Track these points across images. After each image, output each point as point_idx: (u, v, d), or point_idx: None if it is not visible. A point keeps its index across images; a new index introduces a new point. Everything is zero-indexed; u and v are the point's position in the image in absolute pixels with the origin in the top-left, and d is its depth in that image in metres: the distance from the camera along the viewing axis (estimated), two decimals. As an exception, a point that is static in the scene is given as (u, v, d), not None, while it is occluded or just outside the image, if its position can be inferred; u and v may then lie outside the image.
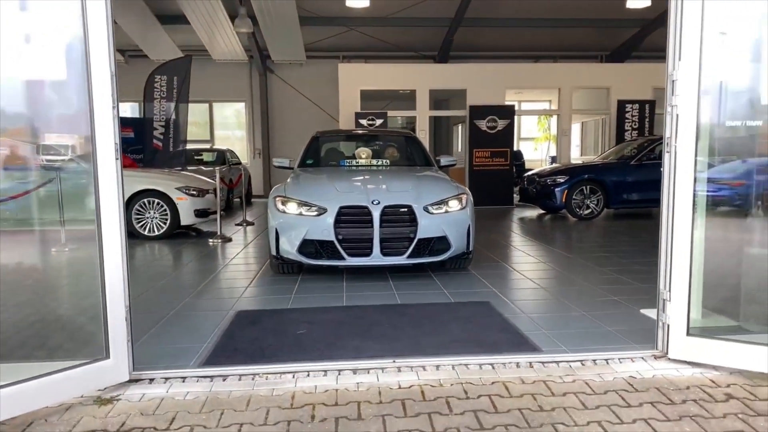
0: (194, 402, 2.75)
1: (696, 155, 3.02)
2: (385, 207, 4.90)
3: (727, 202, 3.68)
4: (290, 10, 12.74)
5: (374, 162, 6.55)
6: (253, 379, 2.99)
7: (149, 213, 8.13)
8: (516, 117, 14.07)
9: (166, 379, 2.99)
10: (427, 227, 4.93)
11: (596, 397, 2.76)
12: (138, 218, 8.08)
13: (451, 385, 2.90)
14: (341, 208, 4.89)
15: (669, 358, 3.18)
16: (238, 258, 6.64)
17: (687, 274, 3.09)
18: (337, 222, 4.85)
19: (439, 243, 5.04)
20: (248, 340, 3.59)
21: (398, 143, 7.23)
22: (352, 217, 4.89)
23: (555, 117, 15.78)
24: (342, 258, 4.87)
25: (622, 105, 13.43)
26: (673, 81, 3.08)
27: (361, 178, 5.82)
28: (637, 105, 13.35)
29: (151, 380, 2.98)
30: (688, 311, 3.12)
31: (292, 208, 5.06)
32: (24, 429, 2.52)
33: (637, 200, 10.18)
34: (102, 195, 2.79)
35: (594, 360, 3.20)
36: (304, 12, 13.18)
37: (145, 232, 8.12)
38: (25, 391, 2.57)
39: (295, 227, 4.96)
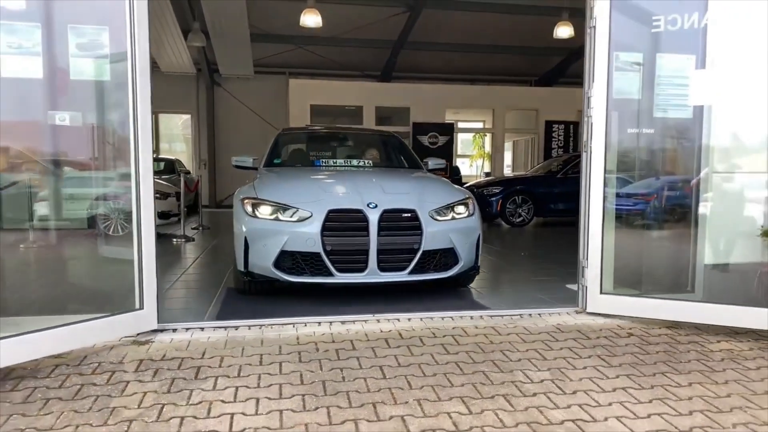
0: (217, 342, 3.38)
1: (606, 153, 3.94)
2: (385, 212, 4.10)
3: (641, 213, 4.66)
4: (242, 28, 13.34)
5: (355, 163, 5.70)
6: (260, 328, 3.65)
7: (114, 214, 8.49)
8: (454, 134, 15.15)
9: (187, 329, 3.62)
10: (433, 237, 4.18)
11: (533, 336, 3.59)
12: (103, 219, 8.43)
13: (422, 329, 3.66)
14: (330, 212, 4.06)
15: (587, 312, 4.06)
16: (207, 254, 7.17)
17: (599, 247, 3.99)
18: (325, 229, 4.02)
19: (446, 256, 4.31)
20: (245, 305, 4.23)
21: (380, 143, 6.42)
22: (343, 224, 4.08)
23: (489, 135, 17.00)
24: (330, 274, 4.04)
25: (549, 125, 14.76)
26: (588, 97, 4.00)
27: (349, 177, 5.02)
28: (563, 125, 14.72)
29: (174, 330, 3.59)
30: (601, 276, 4.01)
31: (265, 212, 4.18)
32: (82, 360, 3.08)
33: (563, 209, 11.31)
34: (141, 182, 3.41)
35: (530, 314, 4.06)
36: (254, 29, 13.81)
37: (110, 232, 8.48)
38: (80, 330, 3.15)
39: (271, 236, 4.07)
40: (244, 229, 4.19)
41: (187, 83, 17.13)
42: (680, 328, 3.79)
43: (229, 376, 2.89)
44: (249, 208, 4.25)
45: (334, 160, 5.79)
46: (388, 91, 15.10)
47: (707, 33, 3.87)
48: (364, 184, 4.53)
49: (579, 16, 11.83)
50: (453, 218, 4.38)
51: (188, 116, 17.76)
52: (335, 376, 2.89)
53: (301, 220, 4.10)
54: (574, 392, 2.76)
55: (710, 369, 3.09)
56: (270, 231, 4.10)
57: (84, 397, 2.65)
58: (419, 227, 4.16)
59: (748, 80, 3.79)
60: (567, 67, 15.97)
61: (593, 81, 3.96)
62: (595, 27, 3.94)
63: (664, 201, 4.48)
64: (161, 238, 8.87)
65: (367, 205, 4.12)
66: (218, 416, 2.47)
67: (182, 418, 2.44)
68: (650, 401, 2.67)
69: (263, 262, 4.10)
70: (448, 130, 14.11)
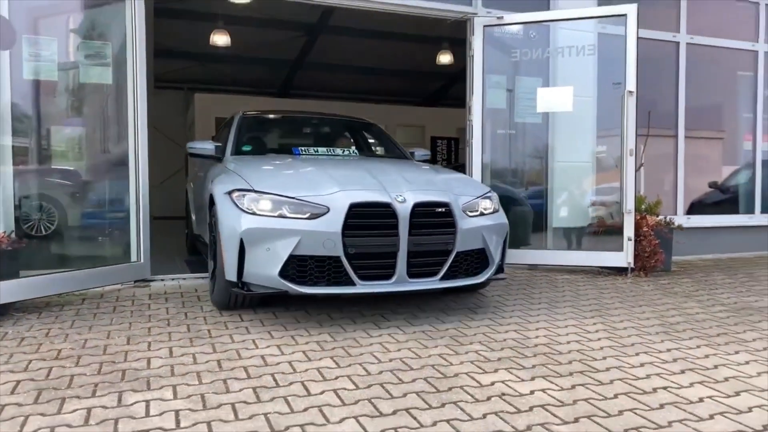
0: (203, 285, 4.40)
1: (482, 148, 5.41)
2: (416, 205, 3.40)
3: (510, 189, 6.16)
4: (148, 44, 13.90)
5: (339, 151, 4.71)
6: (231, 277, 4.68)
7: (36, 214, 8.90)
8: (350, 148, 16.53)
9: (173, 278, 4.59)
10: (467, 236, 3.56)
11: (435, 277, 4.93)
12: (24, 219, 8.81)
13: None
14: (353, 206, 3.30)
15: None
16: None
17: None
18: (347, 228, 3.28)
19: (478, 258, 3.71)
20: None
21: (361, 131, 5.52)
22: (368, 221, 3.34)
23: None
24: (351, 283, 3.32)
25: (434, 140, 16.60)
26: (469, 106, 5.47)
27: (359, 165, 4.13)
28: (446, 141, 16.62)
29: (163, 279, 4.55)
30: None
31: (266, 206, 3.36)
32: (101, 296, 3.99)
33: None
34: (140, 166, 4.37)
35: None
36: (156, 45, 14.41)
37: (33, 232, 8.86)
38: (98, 272, 4.07)
39: (277, 237, 3.27)
40: (238, 229, 3.32)
41: (83, 96, 17.19)
42: (537, 270, 5.30)
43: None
44: (244, 203, 3.39)
45: (315, 149, 4.67)
46: (291, 107, 16.20)
47: (549, 62, 5.50)
48: (380, 173, 3.72)
49: (457, 45, 13.71)
50: (481, 214, 3.75)
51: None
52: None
53: (316, 216, 3.31)
54: (467, 301, 4.11)
55: (545, 289, 4.58)
56: (276, 231, 3.28)
57: (122, 312, 3.60)
58: (453, 224, 3.51)
59: (577, 95, 5.41)
60: (448, 90, 17.97)
61: (473, 94, 5.43)
62: (473, 56, 5.42)
63: (526, 182, 6.05)
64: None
65: (395, 198, 3.39)
66: (230, 315, 3.54)
67: (205, 317, 3.50)
68: (515, 302, 4.08)
69: (266, 269, 3.28)
70: (345, 143, 15.47)
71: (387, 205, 3.35)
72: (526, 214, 5.76)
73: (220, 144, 4.65)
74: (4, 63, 3.88)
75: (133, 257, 4.38)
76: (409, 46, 15.33)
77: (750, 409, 2.23)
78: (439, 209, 3.51)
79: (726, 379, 2.56)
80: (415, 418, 2.09)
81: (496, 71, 5.58)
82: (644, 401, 2.29)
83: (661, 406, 2.25)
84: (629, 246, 4.99)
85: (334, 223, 3.27)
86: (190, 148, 4.58)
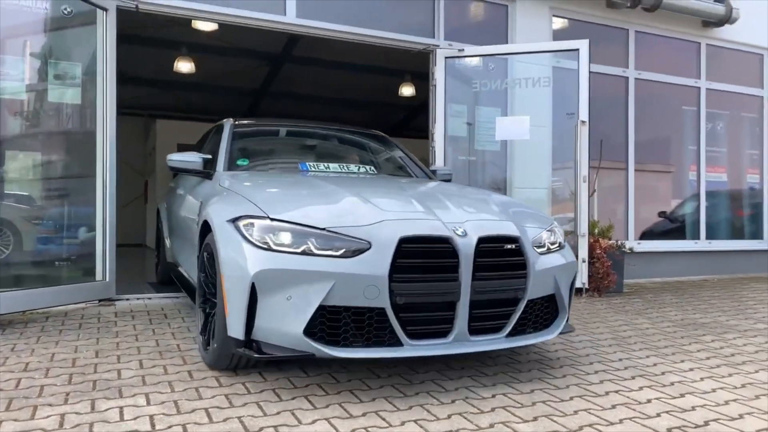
0: (168, 304, 4.41)
1: (445, 172, 5.60)
2: (481, 240, 2.67)
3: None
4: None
5: (354, 168, 4.10)
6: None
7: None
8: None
9: (139, 297, 4.58)
10: (539, 279, 2.84)
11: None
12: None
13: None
14: (403, 241, 2.54)
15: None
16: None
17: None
18: (396, 270, 2.52)
19: (547, 307, 2.98)
20: (172, 286, 5.20)
21: (373, 145, 4.76)
22: (420, 261, 2.59)
23: (343, 179, 18.71)
24: (398, 343, 2.55)
25: (396, 170, 16.82)
26: (432, 133, 5.68)
27: (399, 186, 3.43)
28: (407, 170, 16.85)
29: (128, 299, 4.54)
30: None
31: (285, 239, 2.56)
32: (65, 315, 3.97)
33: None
34: (108, 186, 4.40)
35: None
36: (118, 71, 14.36)
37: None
38: (63, 290, 4.06)
39: (301, 282, 2.49)
40: (248, 270, 2.52)
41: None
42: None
43: (192, 317, 3.97)
44: (255, 234, 2.60)
45: (326, 165, 4.04)
46: (252, 135, 16.26)
47: (507, 93, 5.78)
48: (424, 197, 3.06)
49: (419, 78, 14.16)
50: (549, 250, 3.02)
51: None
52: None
53: (354, 253, 2.55)
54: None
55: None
56: (301, 273, 2.49)
57: (88, 328, 3.60)
58: (524, 265, 2.79)
59: (534, 125, 5.69)
60: (410, 121, 18.36)
61: (435, 122, 5.65)
62: (435, 86, 5.67)
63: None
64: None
65: (455, 231, 2.65)
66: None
67: (173, 333, 3.52)
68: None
69: (285, 325, 2.49)
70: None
71: (446, 240, 2.59)
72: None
73: (208, 156, 3.90)
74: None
75: (99, 276, 4.37)
76: (372, 77, 15.64)
77: (693, 408, 2.41)
78: (508, 246, 2.77)
79: (672, 384, 2.74)
80: (385, 419, 2.19)
81: (457, 101, 5.82)
82: (598, 403, 2.45)
83: (613, 406, 2.41)
84: (584, 267, 5.22)
85: (378, 263, 2.49)
86: (170, 160, 3.82)
